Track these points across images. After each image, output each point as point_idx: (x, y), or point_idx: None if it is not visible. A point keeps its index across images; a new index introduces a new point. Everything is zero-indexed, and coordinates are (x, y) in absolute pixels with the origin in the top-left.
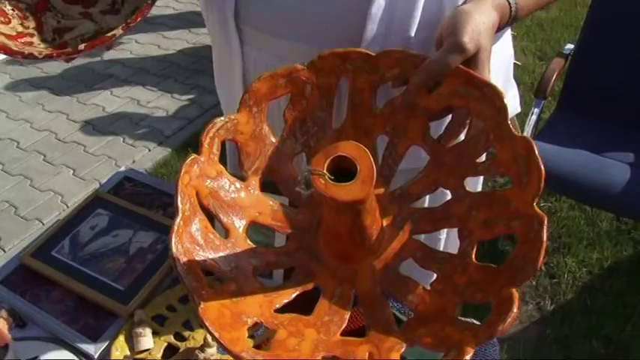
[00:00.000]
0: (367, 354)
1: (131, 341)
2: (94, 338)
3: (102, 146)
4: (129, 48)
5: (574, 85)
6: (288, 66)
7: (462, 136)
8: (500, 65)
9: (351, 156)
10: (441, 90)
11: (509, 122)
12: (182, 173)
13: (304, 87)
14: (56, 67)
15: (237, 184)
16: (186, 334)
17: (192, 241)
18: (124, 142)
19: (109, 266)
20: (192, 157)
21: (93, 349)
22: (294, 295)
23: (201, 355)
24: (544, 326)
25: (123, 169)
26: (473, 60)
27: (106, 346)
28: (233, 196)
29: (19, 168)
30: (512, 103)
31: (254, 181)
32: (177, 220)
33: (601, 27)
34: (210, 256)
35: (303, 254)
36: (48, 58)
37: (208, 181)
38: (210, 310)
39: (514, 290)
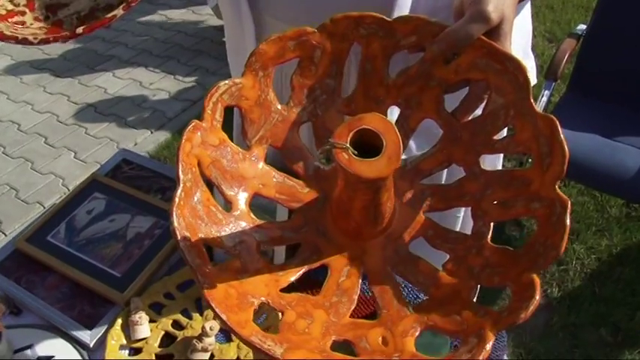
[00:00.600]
0: (380, 338)
1: (127, 330)
2: (90, 326)
3: (103, 128)
4: (131, 29)
5: (585, 67)
6: (298, 28)
7: (479, 111)
8: (519, 39)
9: (377, 129)
10: (460, 61)
11: (531, 99)
12: (183, 141)
13: (314, 51)
14: (57, 49)
15: (241, 154)
16: (185, 322)
17: (194, 215)
18: (125, 124)
19: (106, 252)
20: (194, 123)
21: (88, 337)
22: (299, 274)
23: (199, 345)
24: (551, 314)
25: (120, 151)
26: (495, 31)
27: (102, 334)
28: (236, 166)
29: (20, 151)
30: (530, 74)
31: (258, 151)
32: (179, 191)
33: (614, 7)
34: (213, 231)
35: (309, 230)
36: (44, 43)
37: (211, 149)
38: (217, 290)
39: (535, 276)
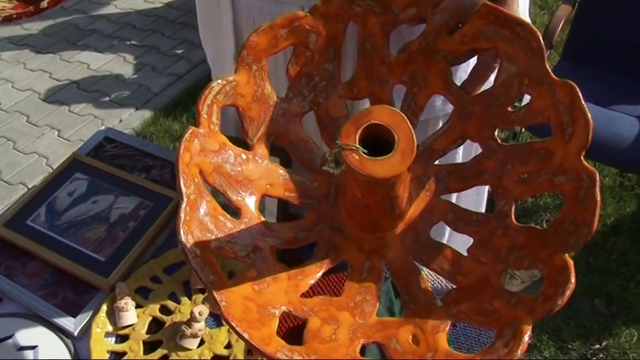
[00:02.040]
0: (410, 336)
1: (113, 316)
2: (74, 313)
3: (87, 106)
4: (113, 2)
5: (580, 34)
6: (289, 14)
7: (491, 83)
8: (521, 2)
9: (387, 124)
10: (465, 31)
11: (546, 65)
12: (181, 151)
13: (308, 36)
14: (37, 24)
15: (244, 155)
16: (173, 307)
17: (202, 228)
18: (109, 100)
19: (89, 235)
20: (191, 130)
21: (72, 325)
22: (320, 274)
23: (189, 331)
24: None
25: (102, 128)
26: None
27: (87, 321)
28: (240, 169)
29: (1, 130)
30: None
31: (261, 149)
32: (183, 206)
33: None
34: (224, 243)
35: (323, 227)
36: (7, 21)
37: (212, 155)
38: (235, 306)
39: (567, 257)
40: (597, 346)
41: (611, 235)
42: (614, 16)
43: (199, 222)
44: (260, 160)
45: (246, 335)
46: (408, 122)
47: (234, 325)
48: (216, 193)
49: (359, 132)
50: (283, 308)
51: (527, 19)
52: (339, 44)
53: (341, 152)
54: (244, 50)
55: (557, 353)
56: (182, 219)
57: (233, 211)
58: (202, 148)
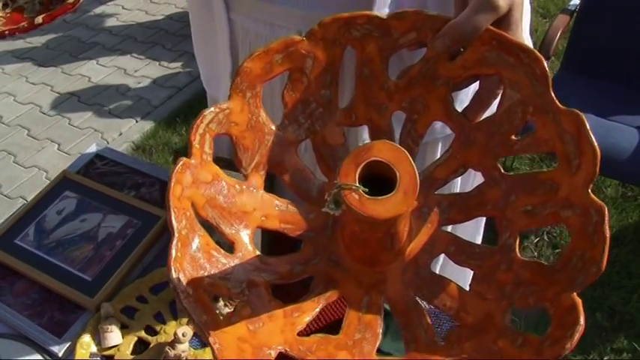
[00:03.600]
0: None
1: (98, 337)
2: (59, 334)
3: (87, 119)
4: (115, 15)
5: (579, 44)
6: (284, 38)
7: (493, 109)
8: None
9: (388, 161)
10: (467, 56)
11: (551, 92)
12: (173, 184)
13: (304, 62)
14: (40, 37)
15: (237, 186)
16: (158, 327)
17: (194, 266)
18: (110, 113)
19: (76, 254)
20: (182, 161)
21: (57, 346)
22: (317, 310)
23: (172, 352)
24: None
25: (93, 148)
26: (505, 19)
27: (71, 342)
28: (233, 200)
29: (3, 144)
30: None
31: (255, 180)
32: (174, 242)
33: None
34: (217, 279)
35: (320, 260)
36: (1, 37)
37: (204, 187)
38: (229, 348)
39: (576, 296)
40: None
41: (614, 246)
42: (613, 25)
43: (191, 258)
44: (254, 191)
45: None
46: (411, 159)
47: None
48: (209, 228)
49: (359, 169)
50: (279, 348)
51: (528, 37)
52: (337, 69)
53: (340, 192)
54: (238, 77)
55: None
56: (173, 256)
57: (227, 244)
58: (194, 180)
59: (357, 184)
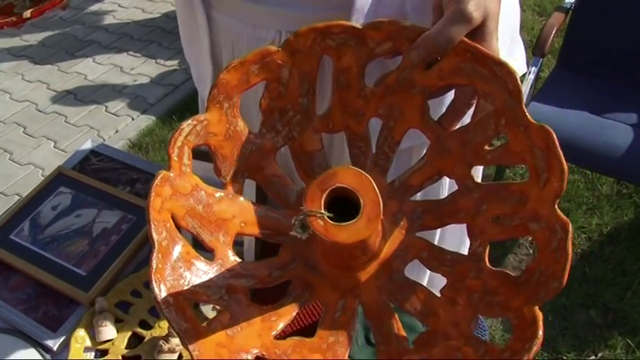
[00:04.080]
0: None
1: (93, 331)
2: (54, 328)
3: (84, 116)
4: (112, 12)
5: (574, 42)
6: (260, 49)
7: (468, 119)
8: (505, 26)
9: (352, 187)
10: (442, 65)
11: (524, 107)
12: (152, 197)
13: (280, 71)
14: (36, 35)
15: (217, 194)
16: (152, 321)
17: (175, 276)
18: (106, 111)
19: (71, 249)
20: (161, 174)
21: (51, 340)
22: (294, 314)
23: (166, 346)
24: None
25: (88, 144)
26: (479, 30)
27: (66, 337)
28: (213, 209)
29: None
30: (519, 62)
31: (234, 187)
32: (155, 254)
33: None
34: (198, 287)
35: (297, 265)
36: None
37: (183, 199)
38: (207, 354)
39: (537, 310)
40: (593, 357)
41: (608, 244)
42: (608, 23)
43: (172, 268)
44: (233, 198)
45: None
46: (374, 185)
47: None
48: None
49: (324, 196)
50: (255, 352)
51: (517, 38)
52: (313, 78)
53: (306, 218)
54: (215, 89)
55: None
56: (154, 268)
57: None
58: (174, 192)
59: (322, 211)
